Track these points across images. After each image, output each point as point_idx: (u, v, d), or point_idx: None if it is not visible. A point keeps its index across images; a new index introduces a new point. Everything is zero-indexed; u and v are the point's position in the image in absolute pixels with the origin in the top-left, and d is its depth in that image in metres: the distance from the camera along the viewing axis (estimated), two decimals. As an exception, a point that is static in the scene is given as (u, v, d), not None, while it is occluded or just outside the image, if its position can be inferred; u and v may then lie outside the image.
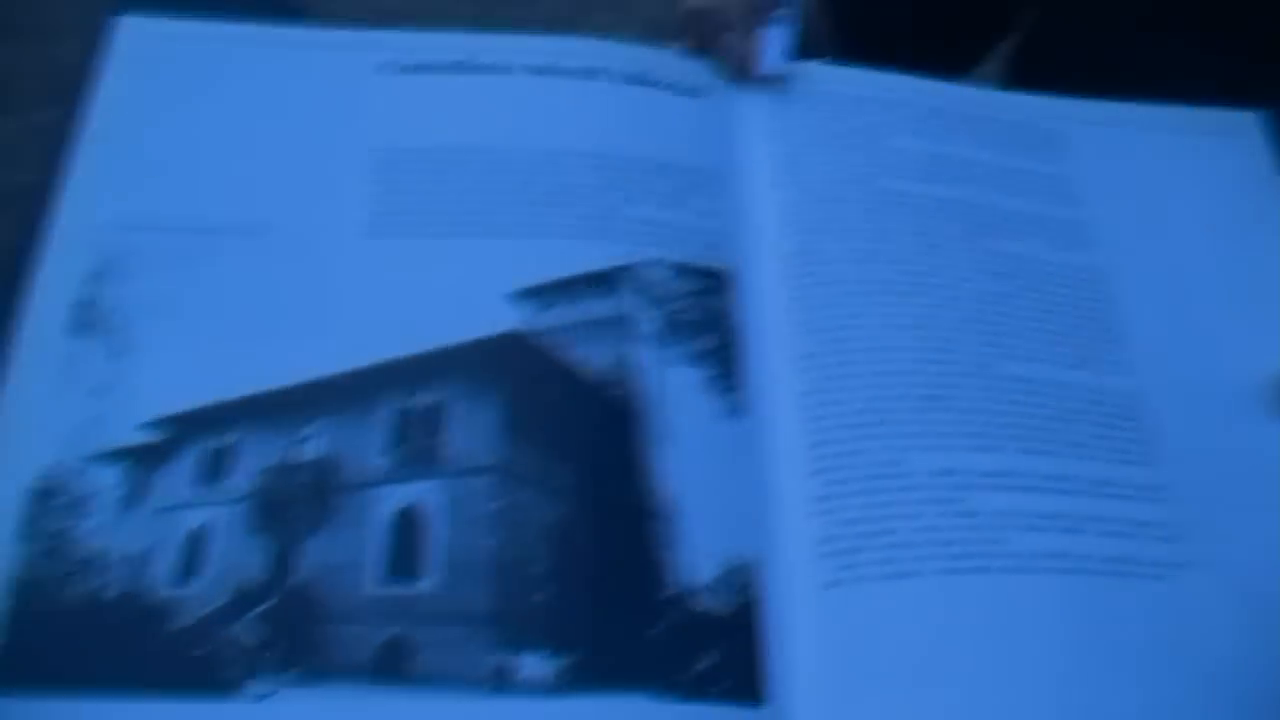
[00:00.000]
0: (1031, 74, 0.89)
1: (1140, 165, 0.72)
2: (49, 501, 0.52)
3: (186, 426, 0.55)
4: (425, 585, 0.51)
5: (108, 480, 0.53)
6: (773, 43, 0.69)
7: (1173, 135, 0.73)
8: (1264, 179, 0.71)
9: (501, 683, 0.49)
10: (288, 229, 0.60)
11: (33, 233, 0.58)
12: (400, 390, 0.56)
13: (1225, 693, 0.54)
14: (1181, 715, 0.54)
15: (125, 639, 0.50)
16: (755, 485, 0.56)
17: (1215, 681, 0.54)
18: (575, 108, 0.65)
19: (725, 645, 0.52)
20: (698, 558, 0.53)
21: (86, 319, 0.56)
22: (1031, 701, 0.53)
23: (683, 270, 0.61)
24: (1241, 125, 0.73)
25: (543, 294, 0.58)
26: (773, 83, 0.69)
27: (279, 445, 0.54)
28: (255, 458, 0.54)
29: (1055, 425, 0.60)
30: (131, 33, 0.66)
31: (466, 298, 0.58)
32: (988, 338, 0.62)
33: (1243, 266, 0.68)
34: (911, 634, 0.53)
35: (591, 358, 0.57)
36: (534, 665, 0.49)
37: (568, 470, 0.54)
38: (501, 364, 0.57)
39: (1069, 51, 0.87)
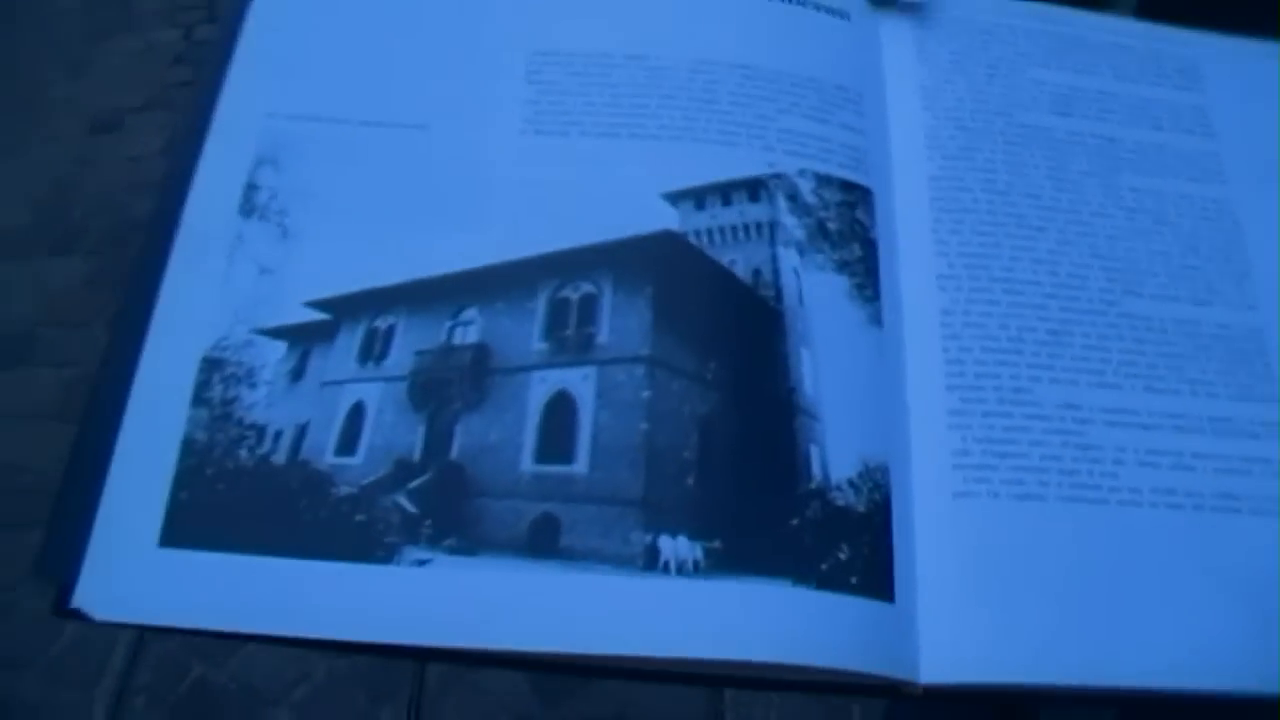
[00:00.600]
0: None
1: (1273, 98, 0.71)
2: (219, 370, 0.54)
3: (349, 307, 0.57)
4: (578, 466, 0.53)
5: (274, 354, 0.55)
6: None
7: None
8: None
9: (649, 562, 0.50)
10: (446, 124, 0.62)
11: (193, 123, 0.60)
12: (557, 280, 0.57)
13: None
14: None
15: (290, 503, 0.52)
16: (893, 392, 0.57)
17: None
18: (725, 20, 0.67)
19: (860, 541, 0.53)
20: (838, 455, 0.55)
21: (256, 202, 0.58)
22: (1137, 627, 0.54)
23: (828, 181, 0.62)
24: None
25: (694, 196, 0.60)
26: (915, 7, 0.70)
27: (437, 329, 0.56)
28: (414, 339, 0.56)
29: (1177, 362, 0.61)
30: None
31: (620, 196, 0.59)
32: (1115, 274, 0.63)
33: None
34: (1033, 551, 0.55)
35: (742, 259, 0.58)
36: (681, 547, 0.51)
37: (716, 365, 0.56)
38: (655, 260, 0.58)
39: None
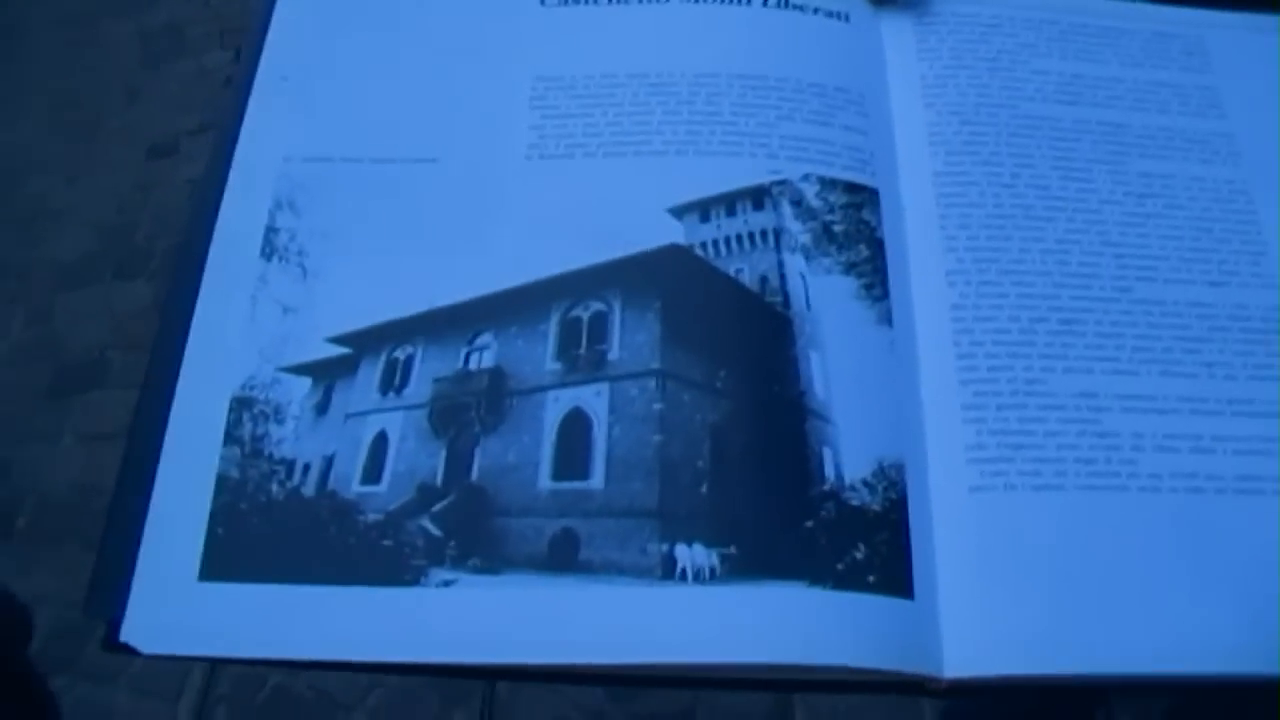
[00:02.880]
0: None
1: None
2: (248, 409, 0.56)
3: (368, 340, 0.59)
4: (594, 481, 0.54)
5: (300, 390, 0.57)
6: None
7: None
8: None
9: (667, 572, 0.52)
10: (455, 155, 0.63)
11: (215, 167, 0.63)
12: (567, 301, 0.59)
13: None
14: None
15: (321, 532, 0.54)
16: (906, 390, 0.58)
17: None
18: (725, 32, 0.68)
19: (877, 539, 0.54)
20: (851, 455, 0.55)
21: (275, 244, 0.60)
22: (1163, 613, 0.54)
23: (833, 184, 0.62)
24: None
25: (699, 208, 0.61)
26: (914, 5, 0.70)
27: (454, 356, 0.58)
28: (432, 367, 0.58)
29: (1194, 346, 0.60)
30: None
31: (626, 214, 0.61)
32: (1126, 261, 0.63)
33: None
34: (1052, 542, 0.55)
35: (748, 267, 0.60)
36: (698, 555, 0.52)
37: (727, 373, 0.57)
38: (663, 274, 0.60)
39: None
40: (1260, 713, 0.56)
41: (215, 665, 1.35)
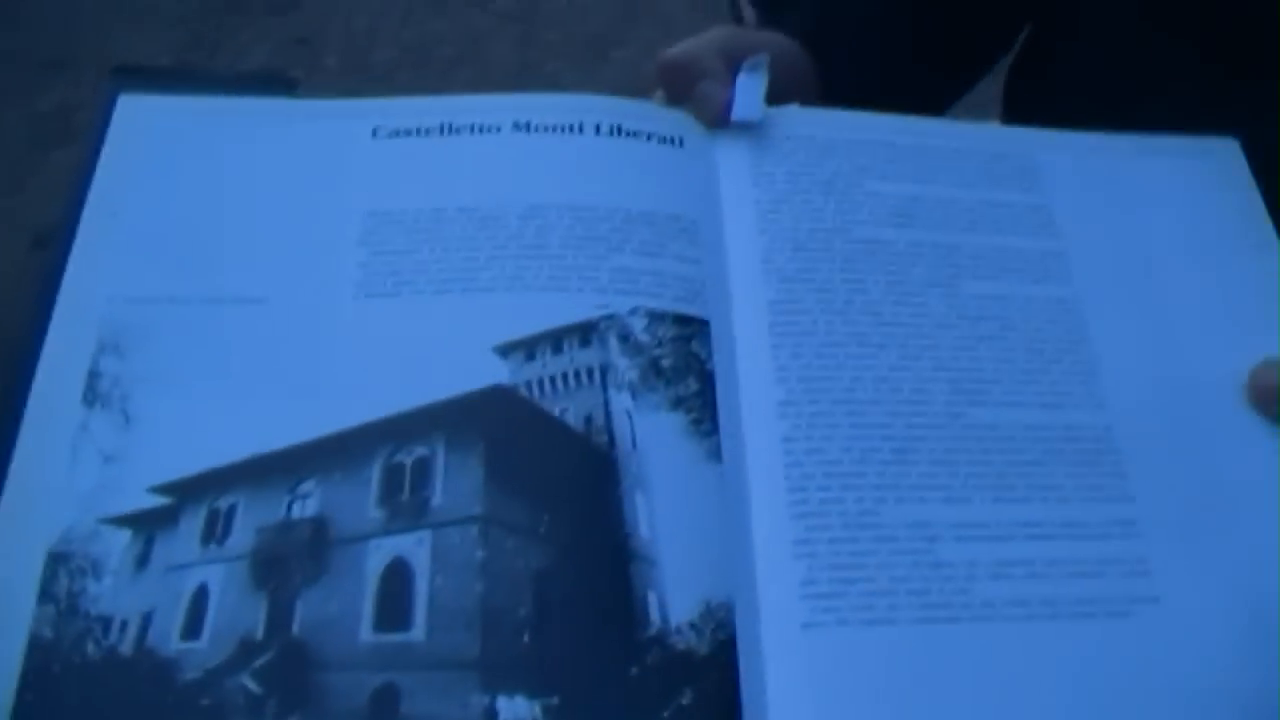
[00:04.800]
0: (1026, 91, 0.90)
1: (1118, 192, 0.72)
2: (65, 564, 0.55)
3: (190, 490, 0.57)
4: (415, 633, 0.54)
5: (119, 542, 0.56)
6: (748, 90, 0.70)
7: (1150, 161, 0.74)
8: (1243, 204, 0.71)
9: (488, 725, 0.51)
10: (283, 295, 0.63)
11: (38, 307, 0.62)
12: (390, 446, 0.58)
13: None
14: None
15: (138, 693, 0.52)
16: (735, 526, 0.58)
17: (1195, 711, 0.56)
18: (556, 162, 0.68)
19: (704, 683, 0.53)
20: (677, 597, 0.55)
21: (97, 389, 0.59)
22: None
23: (662, 317, 0.62)
24: (1220, 151, 0.73)
25: (525, 347, 0.60)
26: (749, 129, 0.70)
27: (276, 504, 0.57)
28: (254, 517, 0.57)
29: (1026, 469, 0.61)
30: (130, 110, 0.69)
31: (452, 353, 0.60)
32: (959, 386, 0.63)
33: (1220, 291, 0.69)
34: (887, 679, 0.55)
35: (573, 406, 0.59)
36: (519, 707, 0.52)
37: (551, 518, 0.56)
38: (486, 416, 0.59)
39: (1065, 67, 0.89)
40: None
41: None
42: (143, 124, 0.69)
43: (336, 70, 2.55)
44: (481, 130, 0.69)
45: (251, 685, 0.52)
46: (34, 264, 1.89)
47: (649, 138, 0.69)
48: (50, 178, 2.07)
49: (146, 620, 0.54)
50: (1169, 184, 0.73)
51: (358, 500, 0.57)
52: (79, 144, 0.68)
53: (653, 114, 0.71)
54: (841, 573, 0.57)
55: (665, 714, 0.52)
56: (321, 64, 2.56)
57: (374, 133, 0.69)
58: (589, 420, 0.59)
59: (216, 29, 2.62)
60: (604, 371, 0.60)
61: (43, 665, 0.53)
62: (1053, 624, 0.57)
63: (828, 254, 0.66)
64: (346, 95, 0.71)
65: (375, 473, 0.58)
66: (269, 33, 2.64)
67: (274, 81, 0.74)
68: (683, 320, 0.63)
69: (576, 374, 0.60)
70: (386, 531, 0.56)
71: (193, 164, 0.68)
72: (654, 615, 0.54)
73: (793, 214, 0.68)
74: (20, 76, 2.33)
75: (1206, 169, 0.73)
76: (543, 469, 0.58)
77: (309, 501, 0.57)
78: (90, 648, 0.53)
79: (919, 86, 0.83)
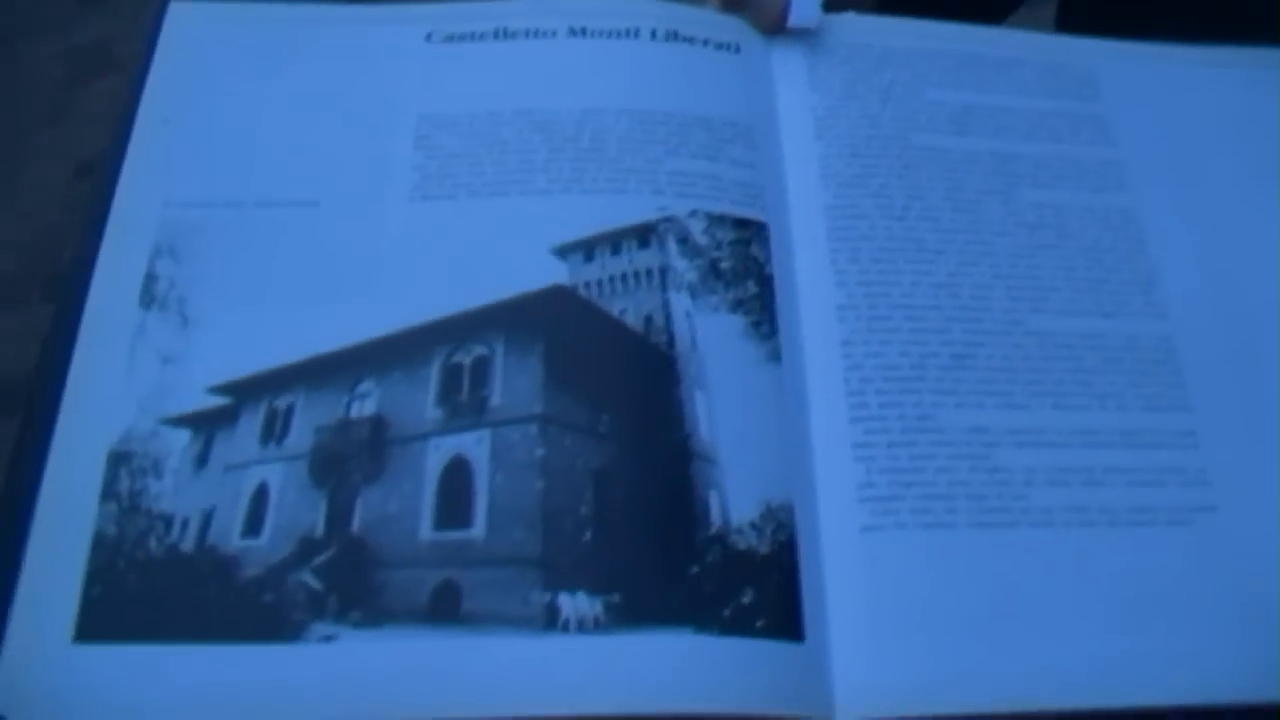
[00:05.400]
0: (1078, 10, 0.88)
1: (1176, 102, 0.71)
2: (126, 464, 0.55)
3: (248, 390, 0.57)
4: (475, 531, 0.54)
5: (179, 442, 0.56)
6: None
7: (1207, 72, 0.73)
8: None
9: (549, 622, 0.51)
10: (337, 197, 0.62)
11: (93, 213, 0.62)
12: (449, 346, 0.58)
13: (1259, 632, 0.55)
14: (1213, 660, 0.54)
15: (200, 589, 0.53)
16: (794, 429, 0.58)
17: (1247, 621, 0.55)
18: (612, 67, 0.67)
19: (765, 583, 0.53)
20: (738, 498, 0.55)
21: (154, 292, 0.59)
22: (1055, 648, 0.54)
23: (721, 220, 0.62)
24: (1276, 61, 0.72)
25: (583, 248, 0.60)
26: (805, 35, 0.69)
27: (335, 404, 0.57)
28: (313, 416, 0.57)
29: (1086, 378, 0.60)
30: (180, 16, 0.68)
31: (509, 255, 0.60)
32: (1018, 293, 0.62)
33: (1276, 203, 0.67)
34: (945, 582, 0.55)
35: (633, 307, 0.59)
36: (581, 604, 0.51)
37: (610, 417, 0.56)
38: (545, 316, 0.59)
39: None
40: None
41: None
42: (193, 30, 0.68)
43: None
44: (537, 35, 0.68)
45: (312, 582, 0.53)
46: (78, 193, 1.90)
47: (705, 43, 0.68)
48: (91, 109, 2.08)
49: (207, 518, 0.54)
50: (1228, 94, 0.72)
51: (416, 399, 0.57)
52: (119, 74, 0.67)
53: (708, 20, 0.70)
54: (900, 476, 0.57)
55: (725, 612, 0.52)
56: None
57: (428, 37, 0.68)
58: (649, 320, 0.59)
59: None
60: (663, 273, 0.60)
61: (108, 562, 0.53)
62: (1110, 531, 0.57)
63: (885, 160, 0.66)
64: (399, 0, 0.70)
65: (434, 372, 0.57)
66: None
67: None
68: (741, 223, 0.62)
69: (635, 275, 0.60)
70: (445, 430, 0.56)
71: (244, 69, 0.67)
72: (714, 515, 0.54)
73: (850, 121, 0.67)
74: (56, 11, 2.33)
75: (1267, 79, 0.72)
76: (602, 368, 0.58)
77: (367, 401, 0.57)
78: (153, 544, 0.53)
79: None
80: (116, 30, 2.19)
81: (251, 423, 0.57)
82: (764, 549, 0.54)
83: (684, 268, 0.60)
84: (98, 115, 2.05)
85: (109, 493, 0.54)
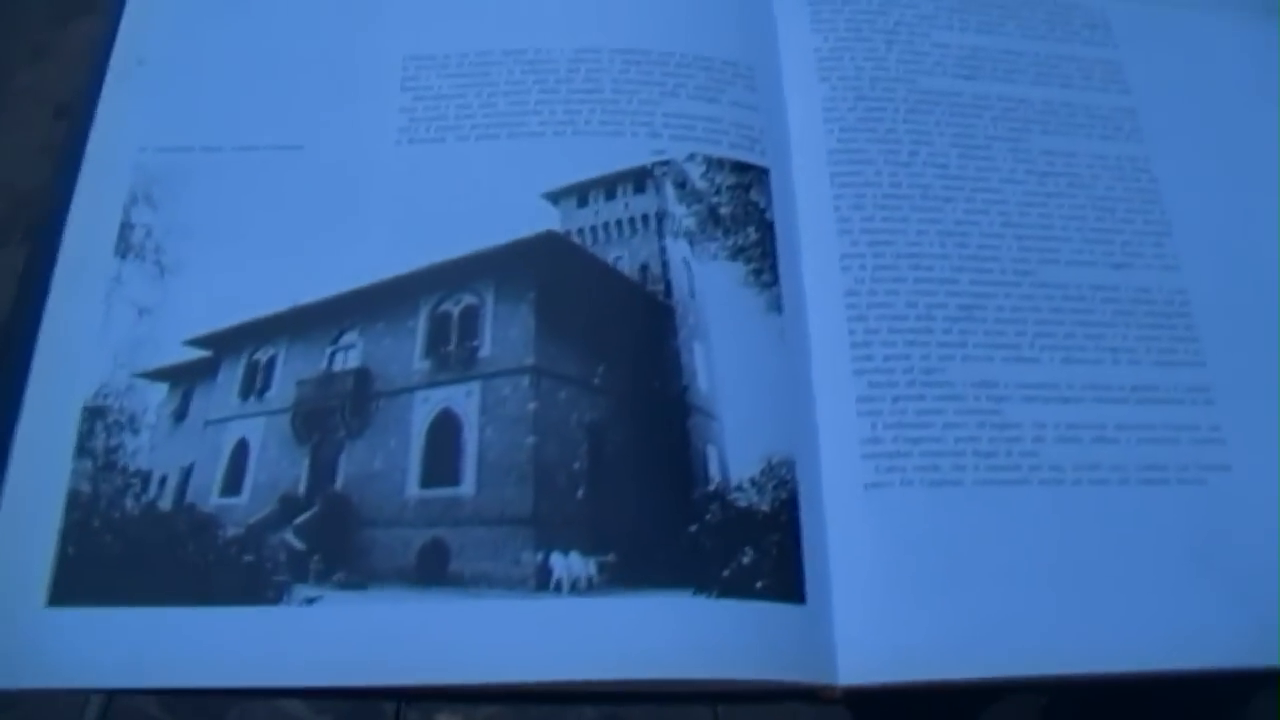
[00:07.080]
0: None
1: (1191, 49, 0.70)
2: (101, 419, 0.53)
3: (229, 342, 0.55)
4: (464, 488, 0.52)
5: (156, 397, 0.54)
6: None
7: (1223, 15, 0.71)
8: None
9: (541, 583, 0.49)
10: (321, 142, 0.60)
11: (67, 159, 0.59)
12: (437, 295, 0.56)
13: (1271, 596, 0.53)
14: (1225, 625, 0.53)
15: (178, 549, 0.51)
16: (797, 382, 0.56)
17: (1260, 584, 0.54)
18: (606, 4, 0.65)
19: (766, 542, 0.51)
20: (737, 453, 0.53)
21: (130, 241, 0.57)
22: (1063, 611, 0.52)
23: (720, 164, 0.60)
24: None
25: (576, 192, 0.58)
26: None
27: (318, 356, 0.55)
28: (294, 369, 0.55)
29: (1097, 330, 0.59)
30: None
31: (500, 199, 0.58)
32: (1028, 242, 0.61)
33: None
34: (951, 540, 0.53)
35: (628, 254, 0.57)
36: (574, 564, 0.50)
37: (605, 369, 0.54)
38: (537, 263, 0.57)
39: None
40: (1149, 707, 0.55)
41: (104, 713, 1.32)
42: None
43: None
44: None
45: (294, 541, 0.51)
46: (57, 134, 1.87)
47: None
48: (70, 49, 2.04)
49: (186, 475, 0.53)
50: (1243, 41, 0.70)
51: (402, 351, 0.55)
52: (101, 14, 0.65)
53: None
54: (905, 432, 0.55)
55: (725, 573, 0.50)
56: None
57: None
58: (645, 268, 0.57)
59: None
60: (660, 219, 0.58)
61: (83, 520, 0.51)
62: (1122, 489, 0.55)
63: (891, 104, 0.64)
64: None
65: (421, 322, 0.56)
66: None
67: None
68: (741, 168, 0.60)
69: (631, 221, 0.58)
70: (433, 383, 0.54)
71: (223, 6, 0.65)
72: (714, 471, 0.52)
73: (854, 62, 0.65)
74: (37, -53, 2.28)
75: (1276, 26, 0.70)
76: (597, 318, 0.56)
77: (351, 353, 0.55)
78: (129, 503, 0.52)
79: None
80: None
81: (231, 376, 0.55)
82: (765, 507, 0.52)
83: (681, 213, 0.58)
84: (76, 58, 2.01)
85: (83, 449, 0.52)
